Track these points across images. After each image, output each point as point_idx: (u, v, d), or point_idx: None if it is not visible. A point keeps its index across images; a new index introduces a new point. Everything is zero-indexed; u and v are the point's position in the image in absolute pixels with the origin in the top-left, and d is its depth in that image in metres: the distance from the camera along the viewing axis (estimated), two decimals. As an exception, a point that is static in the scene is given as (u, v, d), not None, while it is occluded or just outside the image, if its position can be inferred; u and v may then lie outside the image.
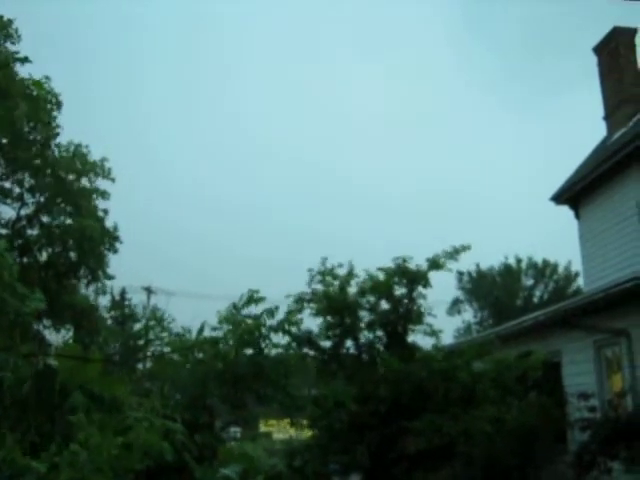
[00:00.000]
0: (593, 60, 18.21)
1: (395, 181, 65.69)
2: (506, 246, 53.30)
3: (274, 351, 14.55)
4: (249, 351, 14.18)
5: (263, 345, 14.17)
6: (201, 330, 14.28)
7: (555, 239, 44.47)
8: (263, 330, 14.11)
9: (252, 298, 14.18)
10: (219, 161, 64.45)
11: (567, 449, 12.78)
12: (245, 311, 14.29)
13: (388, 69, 62.43)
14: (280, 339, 14.64)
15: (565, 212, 18.81)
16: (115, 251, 15.46)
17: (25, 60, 14.45)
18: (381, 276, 15.72)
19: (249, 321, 14.07)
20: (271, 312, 14.08)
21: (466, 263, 49.17)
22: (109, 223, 15.73)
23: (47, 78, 14.79)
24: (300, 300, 15.74)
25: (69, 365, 9.48)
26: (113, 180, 15.78)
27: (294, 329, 14.86)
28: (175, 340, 15.05)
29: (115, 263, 16.35)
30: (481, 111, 66.85)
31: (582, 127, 58.48)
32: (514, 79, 68.36)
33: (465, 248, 15.62)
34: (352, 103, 66.46)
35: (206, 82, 63.04)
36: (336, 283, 15.90)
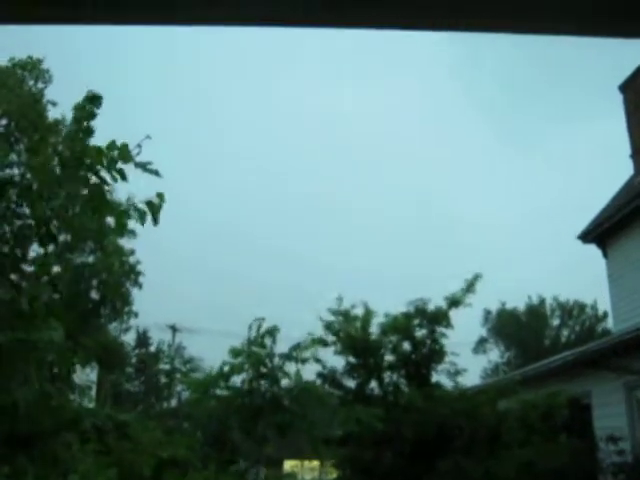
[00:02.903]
0: (598, 95, 18.23)
1: (405, 217, 64.83)
2: (530, 285, 52.68)
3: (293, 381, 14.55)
4: (265, 384, 14.23)
5: (279, 375, 14.18)
6: (221, 369, 14.32)
7: (581, 278, 43.84)
8: (276, 360, 14.15)
9: (267, 331, 14.24)
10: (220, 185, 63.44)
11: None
12: (258, 343, 14.35)
13: (391, 101, 62.19)
14: (302, 372, 14.62)
15: (593, 251, 18.62)
16: (140, 286, 15.55)
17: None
18: (400, 318, 15.64)
19: (261, 352, 14.12)
20: (271, 332, 14.13)
21: (491, 302, 48.92)
22: (132, 259, 15.84)
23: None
24: (321, 340, 15.70)
25: None
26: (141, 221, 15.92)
27: (307, 354, 14.77)
28: (192, 380, 15.11)
29: (139, 300, 16.43)
30: (490, 148, 66.35)
31: (596, 162, 57.98)
32: (518, 113, 67.87)
33: (477, 277, 15.55)
34: (355, 135, 66.09)
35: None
36: (357, 324, 15.84)
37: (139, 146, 5.54)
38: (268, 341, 14.26)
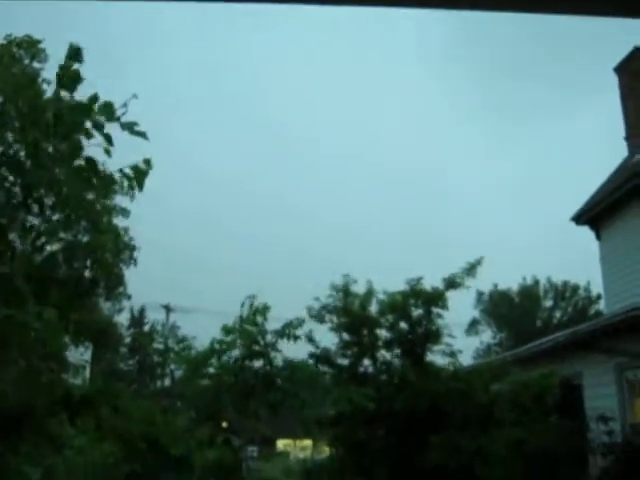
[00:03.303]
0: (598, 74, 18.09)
1: (403, 209, 64.53)
2: (523, 267, 52.76)
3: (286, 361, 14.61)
4: (259, 363, 14.29)
5: (272, 355, 14.22)
6: (211, 346, 14.34)
7: (575, 260, 43.97)
8: (269, 337, 14.16)
9: (257, 309, 14.24)
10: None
11: (588, 473, 12.58)
12: (250, 321, 14.38)
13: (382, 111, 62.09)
14: (292, 351, 14.67)
15: (586, 233, 18.65)
16: (135, 263, 15.48)
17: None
18: (397, 297, 15.66)
19: (253, 330, 14.14)
20: (262, 311, 14.14)
21: (483, 284, 48.98)
22: (126, 238, 15.71)
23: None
24: (319, 314, 15.75)
25: None
26: (132, 198, 15.81)
27: (299, 332, 14.79)
28: (183, 356, 15.14)
29: (135, 279, 16.34)
30: (487, 128, 66.05)
31: (591, 146, 58.10)
32: (498, 107, 67.79)
33: (479, 262, 15.59)
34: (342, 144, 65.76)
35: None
36: (357, 301, 15.87)
37: (125, 106, 5.26)
38: (260, 319, 14.28)
